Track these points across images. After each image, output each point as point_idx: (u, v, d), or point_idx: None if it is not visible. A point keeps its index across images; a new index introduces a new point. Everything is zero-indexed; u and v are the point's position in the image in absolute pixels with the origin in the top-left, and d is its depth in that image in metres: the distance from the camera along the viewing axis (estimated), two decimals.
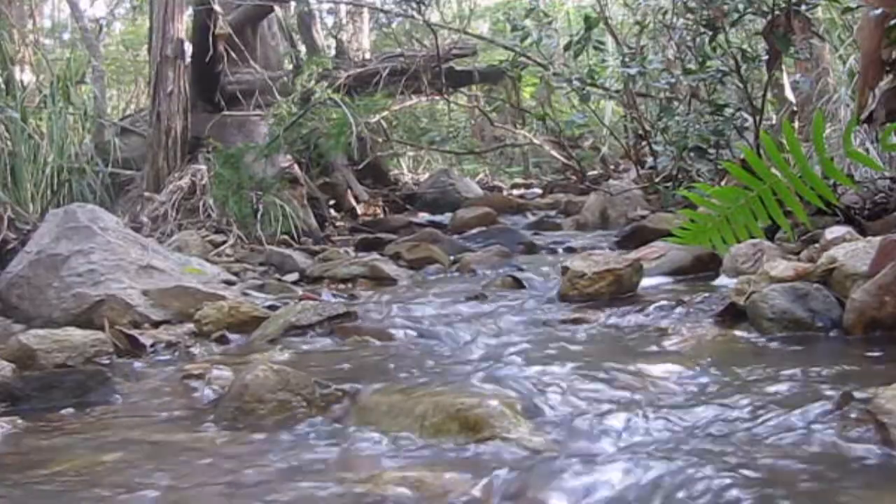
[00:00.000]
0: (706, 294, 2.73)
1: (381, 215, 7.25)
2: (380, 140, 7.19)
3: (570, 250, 4.60)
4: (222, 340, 2.71)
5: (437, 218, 6.90)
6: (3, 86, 5.87)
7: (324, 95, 5.93)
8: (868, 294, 2.12)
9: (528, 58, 6.41)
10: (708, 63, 5.09)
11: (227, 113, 6.50)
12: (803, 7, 4.40)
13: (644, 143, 6.40)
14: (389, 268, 4.07)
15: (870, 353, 2.00)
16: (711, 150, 5.13)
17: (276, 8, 7.37)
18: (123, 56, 14.02)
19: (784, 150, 2.09)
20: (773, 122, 6.05)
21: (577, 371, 1.91)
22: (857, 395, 1.52)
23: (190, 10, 6.56)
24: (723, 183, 4.54)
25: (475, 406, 1.58)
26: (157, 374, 2.32)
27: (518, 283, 3.43)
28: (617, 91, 6.35)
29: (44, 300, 3.13)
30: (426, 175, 9.83)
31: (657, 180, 5.92)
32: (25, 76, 6.94)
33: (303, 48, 8.65)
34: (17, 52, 7.08)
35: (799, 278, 2.42)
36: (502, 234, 5.26)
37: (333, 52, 8.67)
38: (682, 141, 5.20)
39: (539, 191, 9.18)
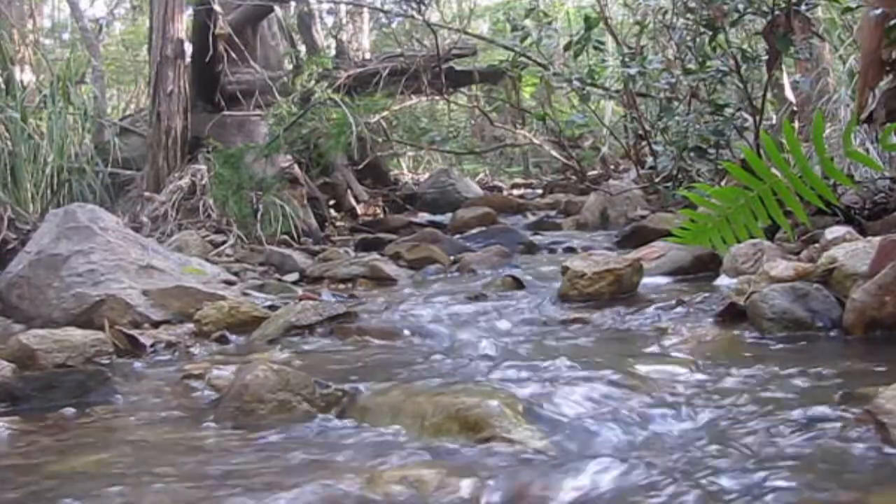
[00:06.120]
0: (706, 294, 2.73)
1: (381, 215, 7.26)
2: (380, 140, 7.19)
3: (570, 250, 4.60)
4: (222, 340, 2.71)
5: (437, 218, 6.91)
6: (3, 86, 5.87)
7: (324, 95, 5.94)
8: (868, 294, 2.12)
9: (528, 58, 6.42)
10: (708, 63, 5.10)
11: (227, 113, 6.51)
12: (803, 7, 4.40)
13: (644, 143, 6.40)
14: (389, 268, 4.07)
15: (870, 353, 1.99)
16: (711, 150, 5.13)
17: (276, 8, 7.37)
18: (123, 56, 14.04)
19: (784, 150, 2.10)
20: (773, 122, 6.05)
21: (577, 371, 1.91)
22: (857, 395, 1.52)
23: (190, 10, 6.56)
24: (723, 183, 4.54)
25: (475, 406, 1.58)
26: (157, 374, 2.32)
27: (518, 283, 3.43)
28: (617, 91, 6.36)
29: (44, 300, 3.13)
30: (426, 175, 9.84)
31: (657, 180, 5.92)
32: (25, 76, 6.94)
33: (303, 48, 8.65)
34: (17, 52, 7.08)
35: (799, 278, 2.42)
36: (502, 234, 5.26)
37: (333, 52, 8.66)
38: (682, 141, 5.20)
39: (539, 191, 9.19)
